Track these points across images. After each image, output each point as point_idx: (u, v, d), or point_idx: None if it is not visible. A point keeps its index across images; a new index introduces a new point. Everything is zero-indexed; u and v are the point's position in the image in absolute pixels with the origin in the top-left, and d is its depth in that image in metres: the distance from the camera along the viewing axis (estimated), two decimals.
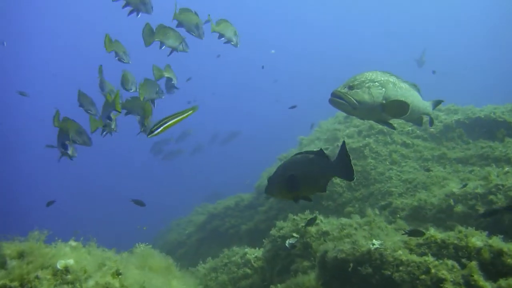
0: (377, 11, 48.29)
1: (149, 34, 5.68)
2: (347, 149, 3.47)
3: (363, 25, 48.32)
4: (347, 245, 3.84)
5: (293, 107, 9.93)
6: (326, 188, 3.56)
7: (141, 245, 3.32)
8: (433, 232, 3.70)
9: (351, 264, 3.67)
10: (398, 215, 6.59)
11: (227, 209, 11.34)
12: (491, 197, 5.59)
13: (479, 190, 5.78)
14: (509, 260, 3.27)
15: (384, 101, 3.80)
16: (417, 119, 4.58)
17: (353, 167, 3.36)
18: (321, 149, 3.60)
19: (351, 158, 3.40)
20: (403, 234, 3.80)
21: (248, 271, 6.16)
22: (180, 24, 5.91)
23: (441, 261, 3.40)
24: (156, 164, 24.91)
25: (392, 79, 4.01)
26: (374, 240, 3.70)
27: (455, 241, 3.52)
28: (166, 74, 6.03)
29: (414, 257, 3.46)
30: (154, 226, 17.94)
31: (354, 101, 3.71)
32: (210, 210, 12.15)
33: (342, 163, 3.42)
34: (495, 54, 38.96)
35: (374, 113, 3.91)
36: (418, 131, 8.52)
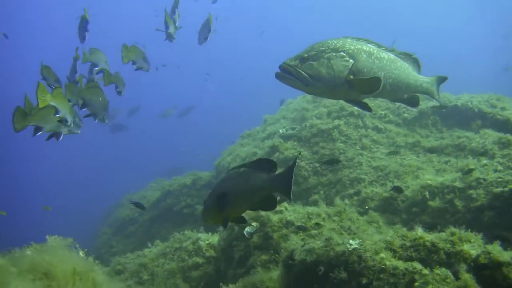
0: None
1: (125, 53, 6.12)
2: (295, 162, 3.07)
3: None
4: (319, 243, 3.21)
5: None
6: (275, 205, 3.12)
7: (52, 238, 2.47)
8: (420, 233, 3.11)
9: (322, 268, 3.04)
10: (367, 206, 6.08)
11: (183, 187, 10.62)
12: (471, 192, 5.11)
13: (458, 184, 5.29)
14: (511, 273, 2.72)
15: (352, 76, 3.04)
16: (407, 99, 3.70)
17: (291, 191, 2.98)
18: (261, 159, 3.13)
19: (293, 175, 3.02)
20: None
21: (200, 260, 5.49)
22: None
23: (430, 270, 2.82)
24: (113, 136, 23.70)
25: (368, 47, 3.23)
26: (351, 240, 3.07)
27: (448, 246, 2.94)
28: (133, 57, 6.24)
29: (399, 263, 2.87)
30: (106, 200, 17.06)
31: (306, 76, 2.96)
32: (165, 187, 11.40)
33: (284, 179, 3.02)
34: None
35: (339, 91, 3.13)
36: (391, 116, 8.01)
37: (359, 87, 3.08)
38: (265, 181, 2.98)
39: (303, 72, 2.97)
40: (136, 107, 19.83)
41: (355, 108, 3.37)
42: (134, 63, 6.16)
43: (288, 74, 3.01)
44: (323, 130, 7.64)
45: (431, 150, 7.00)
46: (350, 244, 3.04)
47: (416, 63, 3.68)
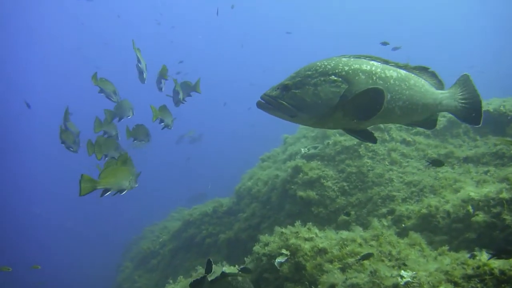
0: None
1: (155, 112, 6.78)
2: None
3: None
4: (363, 276, 2.76)
5: None
6: None
7: None
8: (485, 259, 2.64)
9: None
10: (403, 225, 5.59)
11: (204, 215, 10.20)
12: None
13: (505, 195, 4.79)
14: None
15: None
16: (424, 120, 3.22)
17: None
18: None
19: None
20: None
21: None
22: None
23: None
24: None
25: (369, 66, 2.72)
26: (402, 271, 2.62)
27: None
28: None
29: None
30: (128, 232, 16.77)
31: (290, 107, 2.57)
32: (185, 217, 10.99)
33: None
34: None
35: (332, 120, 2.67)
36: (418, 127, 7.53)
37: (350, 111, 2.60)
38: None
39: (285, 103, 2.58)
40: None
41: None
42: (162, 121, 6.85)
43: (270, 105, 2.63)
44: (348, 147, 7.22)
45: (467, 160, 6.50)
46: (402, 277, 2.59)
47: (434, 78, 3.13)
